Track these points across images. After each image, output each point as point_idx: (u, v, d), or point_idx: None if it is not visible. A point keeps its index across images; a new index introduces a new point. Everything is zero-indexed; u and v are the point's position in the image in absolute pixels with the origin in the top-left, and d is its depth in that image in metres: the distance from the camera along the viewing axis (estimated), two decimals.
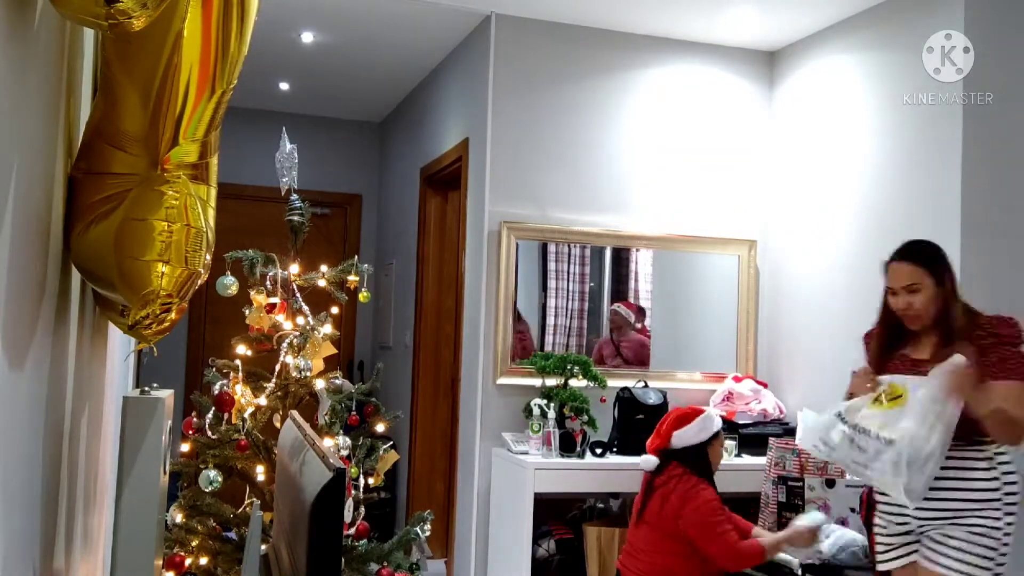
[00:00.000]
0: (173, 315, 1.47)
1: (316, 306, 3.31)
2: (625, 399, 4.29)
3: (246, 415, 3.09)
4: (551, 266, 4.58)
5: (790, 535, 3.34)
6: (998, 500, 2.68)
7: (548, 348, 4.51)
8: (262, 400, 3.13)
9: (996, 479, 2.70)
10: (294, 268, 3.29)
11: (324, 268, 3.37)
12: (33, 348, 1.29)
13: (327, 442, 3.03)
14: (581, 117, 4.55)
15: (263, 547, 2.15)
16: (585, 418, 4.19)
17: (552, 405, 4.11)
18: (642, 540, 3.38)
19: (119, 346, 2.53)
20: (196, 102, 1.43)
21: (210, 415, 3.09)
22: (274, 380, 3.16)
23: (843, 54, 4.30)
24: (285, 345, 3.16)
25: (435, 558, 4.90)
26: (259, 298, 3.22)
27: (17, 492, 1.24)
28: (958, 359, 2.62)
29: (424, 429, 5.48)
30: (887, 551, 2.85)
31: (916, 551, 2.77)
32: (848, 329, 4.14)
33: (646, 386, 4.38)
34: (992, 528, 2.66)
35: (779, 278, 4.68)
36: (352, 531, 3.12)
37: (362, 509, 3.19)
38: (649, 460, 3.48)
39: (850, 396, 2.89)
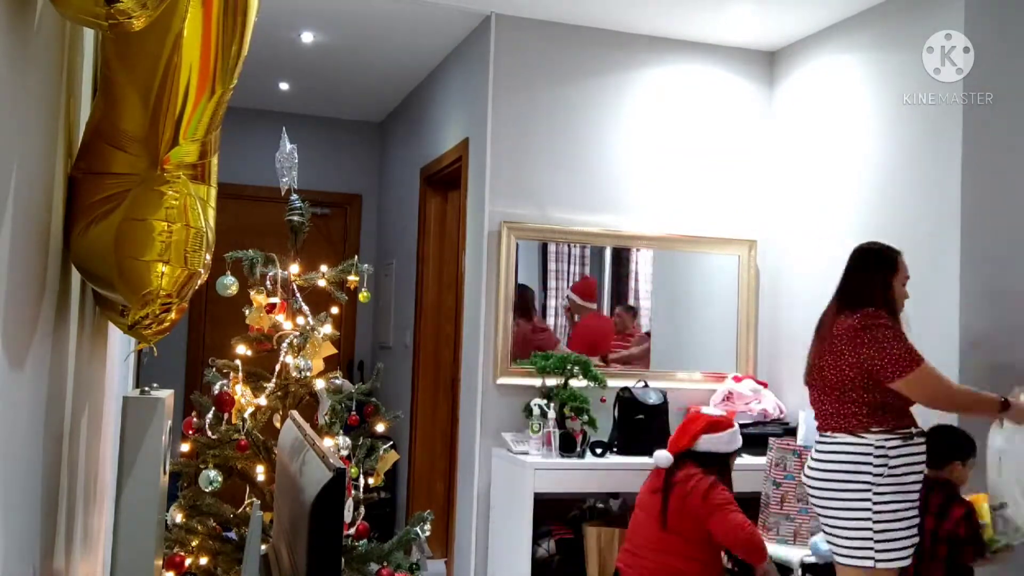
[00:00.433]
0: (173, 315, 1.47)
1: (316, 306, 3.31)
2: (625, 399, 4.29)
3: (246, 415, 3.09)
4: (551, 266, 4.58)
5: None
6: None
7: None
8: (262, 400, 3.13)
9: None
10: (294, 268, 3.29)
11: (324, 268, 3.37)
12: (33, 348, 1.29)
13: (327, 442, 3.03)
14: (581, 117, 4.55)
15: (263, 547, 2.15)
16: (585, 418, 4.19)
17: (552, 405, 4.11)
18: (650, 539, 3.38)
19: (119, 346, 2.53)
20: (196, 102, 1.43)
21: (210, 415, 3.08)
22: (274, 380, 3.16)
23: (843, 54, 4.30)
24: (285, 345, 3.16)
25: (435, 558, 4.90)
26: (259, 298, 3.22)
27: (17, 492, 1.24)
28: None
29: (424, 429, 5.48)
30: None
31: None
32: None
33: (646, 386, 4.38)
34: None
35: (779, 278, 4.68)
36: (352, 531, 3.12)
37: (362, 509, 3.19)
38: (664, 456, 3.50)
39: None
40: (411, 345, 5.64)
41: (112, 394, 2.36)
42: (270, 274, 3.23)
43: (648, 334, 4.72)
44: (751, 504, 3.89)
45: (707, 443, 3.48)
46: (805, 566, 3.62)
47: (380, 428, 3.38)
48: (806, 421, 4.16)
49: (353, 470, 3.15)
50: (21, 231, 1.17)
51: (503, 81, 4.45)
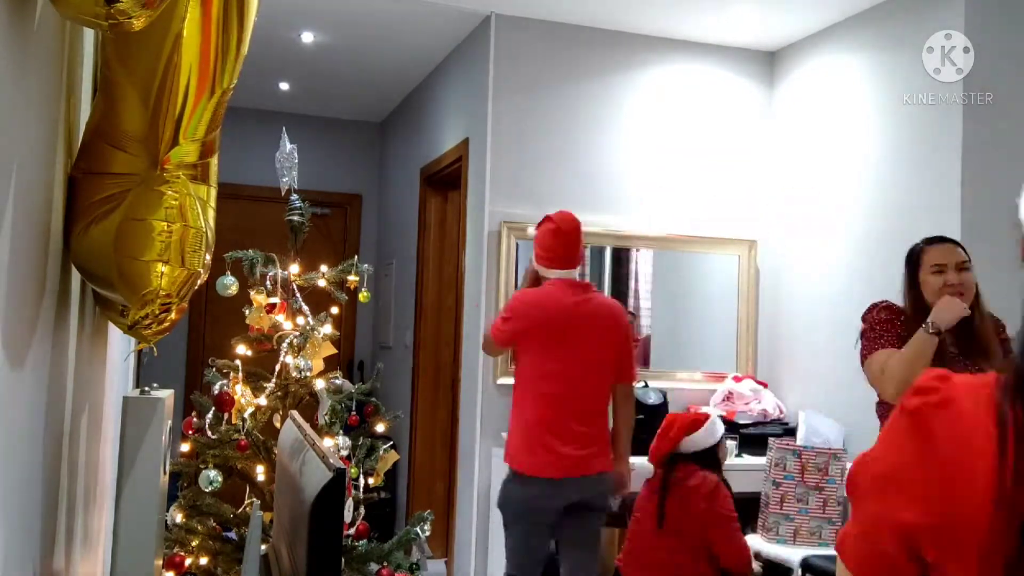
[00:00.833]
0: (173, 315, 1.47)
1: (316, 306, 3.31)
2: None
3: (246, 415, 3.08)
4: None
5: None
6: None
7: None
8: (262, 400, 3.13)
9: None
10: (294, 268, 3.28)
11: (324, 268, 3.37)
12: (33, 348, 1.29)
13: (327, 442, 3.03)
14: (581, 117, 4.55)
15: (263, 547, 2.15)
16: None
17: None
18: (648, 539, 3.39)
19: (119, 346, 2.53)
20: (196, 102, 1.43)
21: (210, 415, 3.08)
22: (274, 380, 3.16)
23: (843, 54, 4.30)
24: (285, 345, 3.16)
25: (435, 558, 4.90)
26: (259, 298, 3.22)
27: (17, 492, 1.24)
28: None
29: (424, 429, 5.48)
30: None
31: None
32: (848, 329, 4.14)
33: (646, 386, 4.38)
34: None
35: (779, 278, 4.68)
36: (352, 531, 3.12)
37: (362, 509, 3.19)
38: (646, 466, 3.53)
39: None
40: (411, 345, 5.64)
41: (112, 394, 2.36)
42: (270, 274, 3.23)
43: (648, 337, 4.72)
44: (751, 504, 3.89)
45: (691, 443, 3.46)
46: (805, 566, 3.62)
47: (380, 428, 3.38)
48: (806, 421, 4.16)
49: (353, 470, 3.15)
50: (21, 231, 1.17)
51: (503, 81, 4.45)
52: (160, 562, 1.99)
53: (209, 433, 3.08)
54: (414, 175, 5.74)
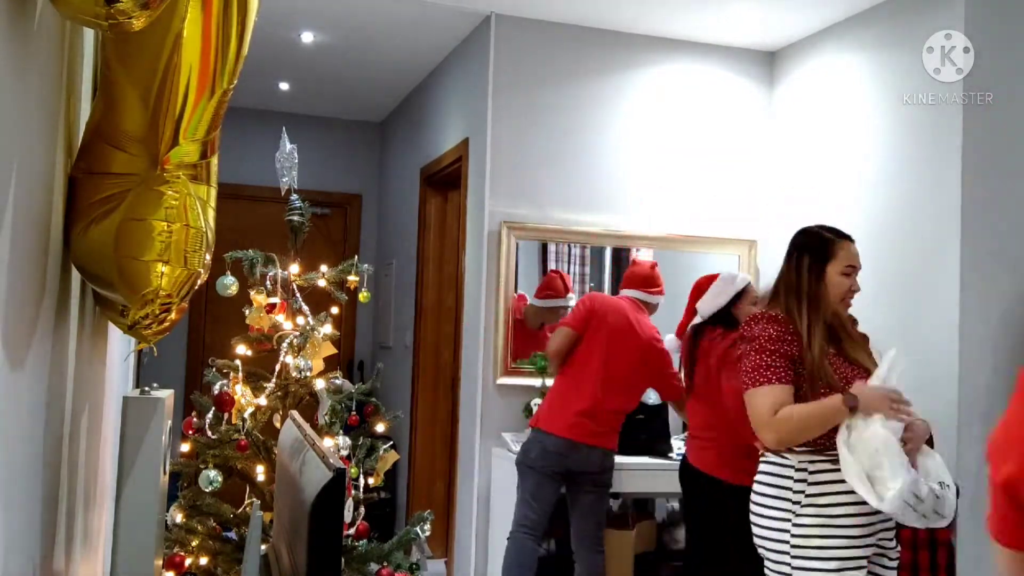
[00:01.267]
0: (173, 315, 1.47)
1: (316, 306, 3.31)
2: None
3: (246, 415, 3.09)
4: (551, 266, 4.58)
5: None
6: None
7: None
8: (262, 400, 3.13)
9: None
10: (294, 268, 3.29)
11: (324, 268, 3.37)
12: (33, 348, 1.29)
13: (327, 442, 3.03)
14: (581, 117, 4.55)
15: (263, 547, 2.15)
16: None
17: None
18: (698, 417, 3.54)
19: (119, 346, 2.53)
20: (196, 102, 1.43)
21: (210, 415, 3.08)
22: (274, 380, 3.16)
23: (843, 54, 4.30)
24: (285, 345, 3.16)
25: (435, 558, 4.90)
26: (259, 298, 3.22)
27: (17, 492, 1.24)
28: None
29: (424, 429, 5.48)
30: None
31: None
32: None
33: None
34: None
35: None
36: (352, 531, 3.12)
37: (362, 509, 3.19)
38: (671, 340, 3.81)
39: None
40: (411, 345, 5.64)
41: (112, 394, 2.36)
42: (270, 274, 3.23)
43: None
44: None
45: (707, 306, 3.56)
46: None
47: (380, 428, 3.38)
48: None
49: (353, 470, 3.15)
50: (21, 231, 1.17)
51: (503, 81, 4.45)
52: (160, 562, 1.99)
53: (209, 433, 3.08)
54: (414, 175, 5.74)
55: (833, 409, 2.42)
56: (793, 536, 2.44)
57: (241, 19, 1.44)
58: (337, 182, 6.67)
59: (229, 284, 3.12)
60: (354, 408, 3.26)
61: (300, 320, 3.23)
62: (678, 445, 4.20)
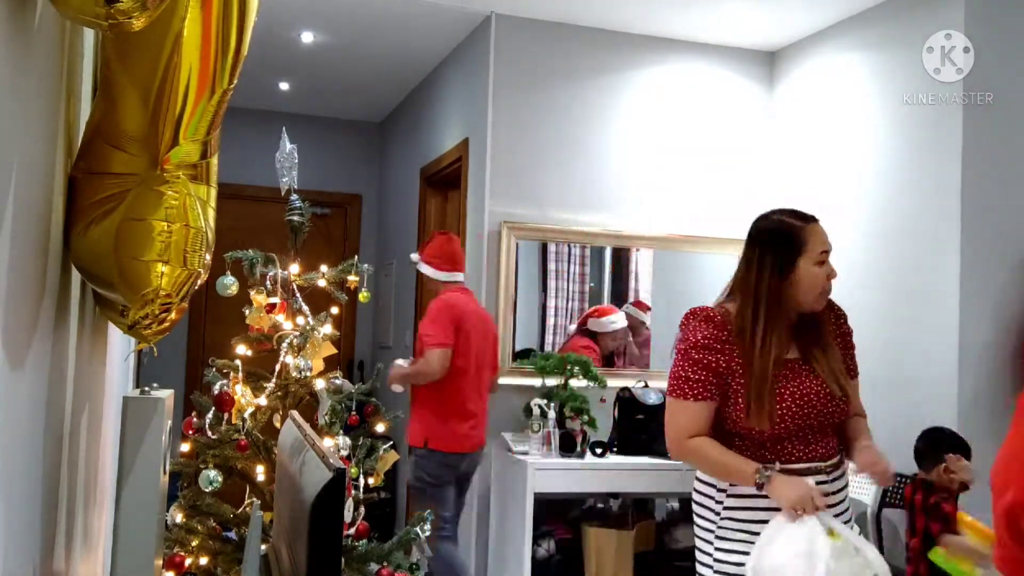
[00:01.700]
0: (173, 315, 1.47)
1: (316, 306, 3.31)
2: (625, 399, 4.29)
3: (246, 415, 3.08)
4: (551, 266, 4.58)
5: None
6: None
7: (548, 348, 4.51)
8: (262, 400, 3.13)
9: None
10: (294, 268, 3.28)
11: (324, 268, 3.36)
12: (33, 348, 1.29)
13: (327, 442, 3.03)
14: (581, 117, 4.55)
15: (263, 547, 2.15)
16: (585, 418, 4.20)
17: (552, 405, 4.12)
18: None
19: (119, 346, 2.53)
20: (196, 102, 1.43)
21: (210, 415, 3.08)
22: (274, 380, 3.15)
23: (843, 54, 4.30)
24: (285, 345, 3.16)
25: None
26: (259, 298, 3.21)
27: (17, 492, 1.24)
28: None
29: None
30: None
31: None
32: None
33: (646, 386, 4.38)
34: None
35: None
36: (352, 531, 3.12)
37: (362, 509, 3.19)
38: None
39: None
40: (411, 345, 5.64)
41: (112, 394, 2.36)
42: (270, 274, 3.22)
43: (648, 337, 4.72)
44: None
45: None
46: None
47: (380, 428, 3.38)
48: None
49: (353, 470, 3.15)
50: (21, 231, 1.17)
51: (503, 81, 4.45)
52: (160, 562, 1.99)
53: (209, 433, 3.08)
54: (414, 175, 5.74)
55: (740, 474, 2.22)
56: (716, 550, 2.27)
57: (241, 19, 1.44)
58: (337, 182, 6.67)
59: (229, 284, 3.11)
60: (354, 408, 3.25)
61: (300, 320, 3.23)
62: None
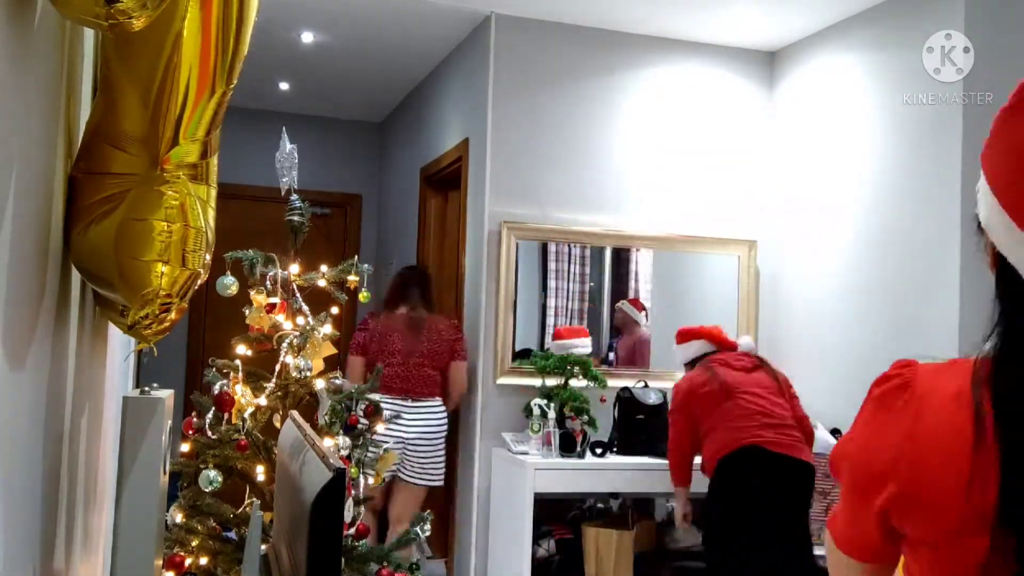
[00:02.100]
0: (173, 315, 1.47)
1: (316, 306, 3.31)
2: (625, 399, 4.29)
3: (246, 415, 3.08)
4: (551, 266, 4.58)
5: None
6: None
7: (548, 348, 4.51)
8: (262, 400, 3.13)
9: None
10: (294, 268, 3.28)
11: (324, 268, 3.36)
12: (33, 348, 1.29)
13: (327, 442, 3.03)
14: (581, 117, 4.55)
15: (263, 547, 2.15)
16: (585, 418, 4.20)
17: (552, 405, 4.11)
18: (781, 407, 3.63)
19: (119, 346, 2.53)
20: (196, 102, 1.42)
21: (210, 415, 3.08)
22: (274, 380, 3.15)
23: (843, 54, 4.30)
24: (285, 345, 3.16)
25: (435, 558, 4.90)
26: (259, 298, 3.21)
27: (17, 492, 1.24)
28: None
29: None
30: None
31: None
32: (849, 329, 4.14)
33: (646, 386, 4.38)
34: None
35: (779, 278, 4.68)
36: (352, 531, 3.12)
37: (362, 509, 3.19)
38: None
39: None
40: None
41: (112, 394, 2.36)
42: (270, 274, 3.22)
43: (648, 337, 4.72)
44: None
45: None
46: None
47: (380, 428, 3.38)
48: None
49: (353, 470, 3.15)
50: (21, 231, 1.17)
51: (503, 81, 4.45)
52: (160, 562, 1.99)
53: (209, 433, 3.08)
54: (414, 175, 5.74)
55: None
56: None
57: (241, 19, 1.44)
58: (337, 182, 6.67)
59: (229, 284, 3.11)
60: (354, 408, 3.25)
61: (300, 320, 3.23)
62: None
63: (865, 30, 4.16)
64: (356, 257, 3.46)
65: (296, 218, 3.33)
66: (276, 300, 3.21)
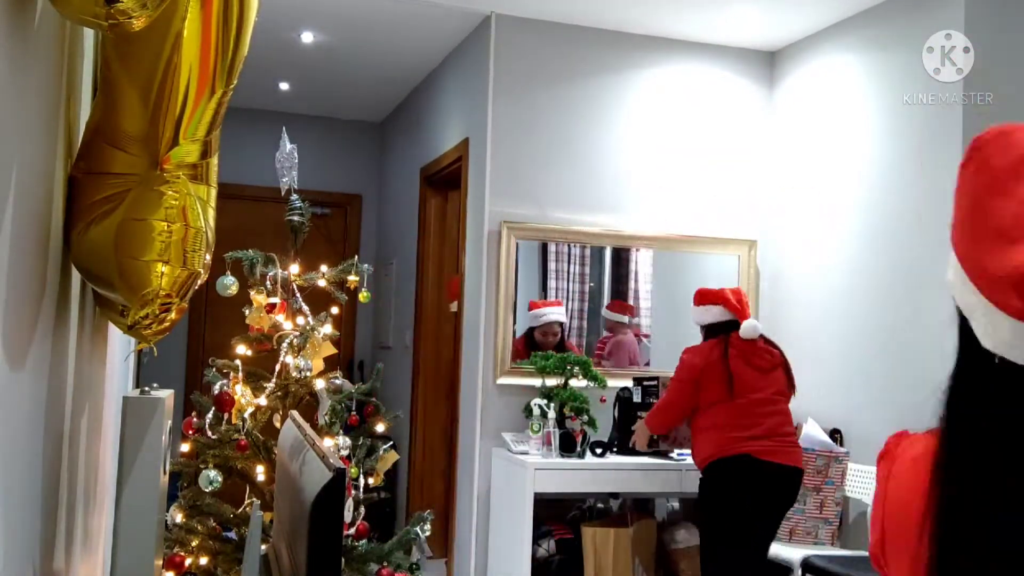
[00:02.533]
0: (173, 315, 1.47)
1: (316, 306, 3.31)
2: (625, 399, 4.29)
3: (246, 415, 3.08)
4: (551, 266, 4.58)
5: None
6: None
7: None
8: (262, 400, 3.13)
9: None
10: (294, 268, 3.28)
11: (324, 268, 3.37)
12: (33, 348, 1.29)
13: (327, 442, 3.03)
14: (581, 117, 4.55)
15: (263, 547, 2.15)
16: (585, 418, 4.19)
17: (552, 405, 4.11)
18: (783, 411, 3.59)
19: (119, 346, 2.53)
20: (196, 102, 1.42)
21: (210, 415, 3.08)
22: (274, 380, 3.15)
23: (843, 54, 4.30)
24: (285, 345, 3.16)
25: (435, 558, 4.90)
26: (259, 298, 3.22)
27: (17, 492, 1.24)
28: None
29: (424, 429, 5.48)
30: None
31: None
32: (849, 329, 4.14)
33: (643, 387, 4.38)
34: None
35: (779, 278, 4.68)
36: (352, 531, 3.12)
37: (362, 509, 3.19)
38: (753, 325, 3.70)
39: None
40: (411, 345, 5.64)
41: (112, 394, 2.36)
42: (270, 274, 3.22)
43: (648, 337, 4.72)
44: None
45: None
46: (806, 566, 3.62)
47: (380, 428, 3.38)
48: (803, 429, 4.16)
49: (353, 470, 3.15)
50: (21, 231, 1.17)
51: (503, 81, 4.45)
52: (160, 562, 1.99)
53: (209, 433, 3.08)
54: (414, 175, 5.74)
55: None
56: None
57: (241, 19, 1.44)
58: (337, 182, 6.67)
59: (229, 284, 3.11)
60: (354, 408, 3.26)
61: (300, 320, 3.23)
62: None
63: (865, 30, 4.16)
64: (356, 257, 3.46)
65: (296, 218, 3.33)
66: (276, 300, 3.21)
